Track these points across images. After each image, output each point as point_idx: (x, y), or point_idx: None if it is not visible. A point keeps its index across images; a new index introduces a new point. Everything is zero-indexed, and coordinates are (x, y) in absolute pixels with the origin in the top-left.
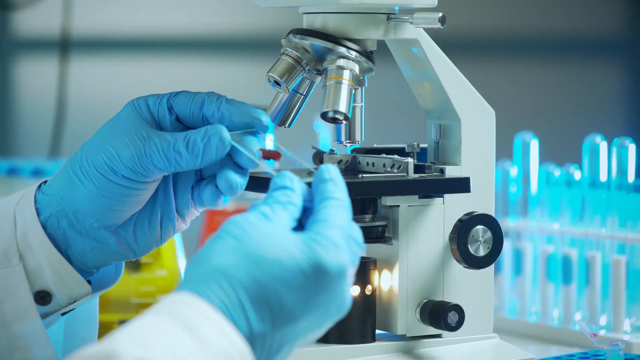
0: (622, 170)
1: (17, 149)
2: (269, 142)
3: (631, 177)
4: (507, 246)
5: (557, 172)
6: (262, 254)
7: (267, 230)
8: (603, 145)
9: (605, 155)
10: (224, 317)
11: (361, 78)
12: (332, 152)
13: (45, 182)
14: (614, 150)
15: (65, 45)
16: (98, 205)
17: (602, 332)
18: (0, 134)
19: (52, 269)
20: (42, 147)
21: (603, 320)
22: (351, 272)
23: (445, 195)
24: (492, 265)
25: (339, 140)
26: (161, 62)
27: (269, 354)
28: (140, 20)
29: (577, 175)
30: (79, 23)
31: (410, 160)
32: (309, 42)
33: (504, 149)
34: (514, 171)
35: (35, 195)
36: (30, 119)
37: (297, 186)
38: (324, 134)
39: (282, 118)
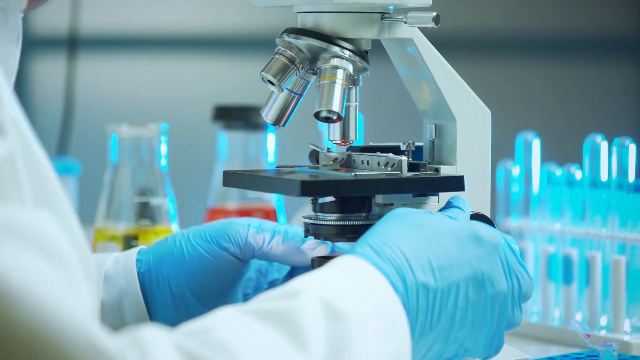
0: (623, 170)
1: None
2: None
3: (631, 177)
4: None
5: (558, 172)
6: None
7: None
8: (604, 145)
9: (605, 155)
10: (386, 279)
11: (355, 77)
12: (328, 150)
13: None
14: (615, 150)
15: (73, 44)
16: None
17: (603, 333)
18: None
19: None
20: (49, 146)
21: (603, 321)
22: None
23: (440, 194)
24: None
25: (332, 139)
26: (162, 61)
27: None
28: (146, 19)
29: (578, 175)
30: (87, 21)
31: (404, 158)
32: (303, 41)
33: (506, 149)
34: (515, 171)
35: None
36: (38, 117)
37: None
38: None
39: (277, 117)
